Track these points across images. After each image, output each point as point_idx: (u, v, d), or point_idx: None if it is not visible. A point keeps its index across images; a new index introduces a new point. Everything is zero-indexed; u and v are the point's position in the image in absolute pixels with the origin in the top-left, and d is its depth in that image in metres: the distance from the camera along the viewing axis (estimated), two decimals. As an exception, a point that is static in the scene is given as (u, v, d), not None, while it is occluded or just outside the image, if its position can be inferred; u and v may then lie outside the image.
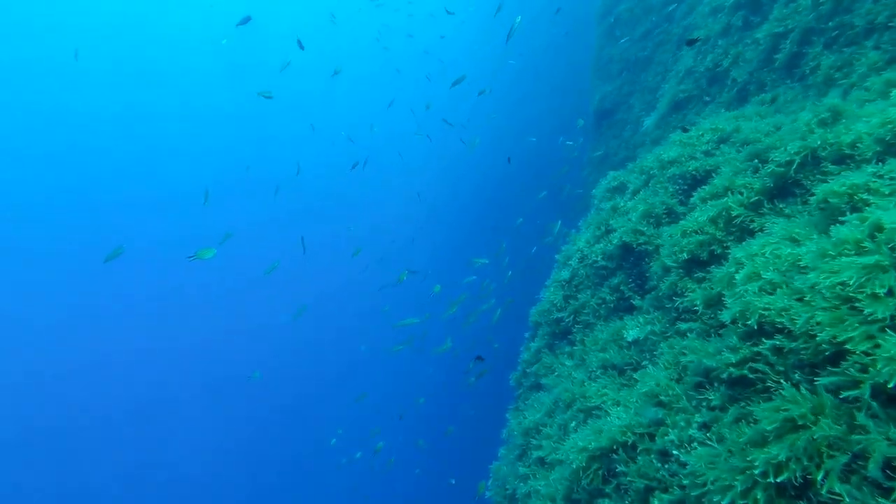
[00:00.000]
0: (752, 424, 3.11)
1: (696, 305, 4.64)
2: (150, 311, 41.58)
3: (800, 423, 2.61)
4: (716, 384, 3.76)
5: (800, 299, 3.28)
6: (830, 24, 6.90)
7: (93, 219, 39.93)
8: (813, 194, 4.57)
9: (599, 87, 16.67)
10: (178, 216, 42.73)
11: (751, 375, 3.44)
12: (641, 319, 5.81)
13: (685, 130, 7.46)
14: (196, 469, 39.19)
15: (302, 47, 13.09)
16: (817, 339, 2.88)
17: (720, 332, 4.33)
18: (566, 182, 20.97)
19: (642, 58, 14.95)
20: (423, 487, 30.06)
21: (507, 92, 34.21)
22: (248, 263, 39.28)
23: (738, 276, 4.03)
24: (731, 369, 3.56)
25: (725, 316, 3.79)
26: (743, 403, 3.37)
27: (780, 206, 4.96)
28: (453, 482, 22.48)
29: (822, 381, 2.74)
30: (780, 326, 3.30)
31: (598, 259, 7.01)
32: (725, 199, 5.21)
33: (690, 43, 10.00)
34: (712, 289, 4.68)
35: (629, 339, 5.63)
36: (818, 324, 2.91)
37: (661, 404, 4.17)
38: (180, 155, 44.60)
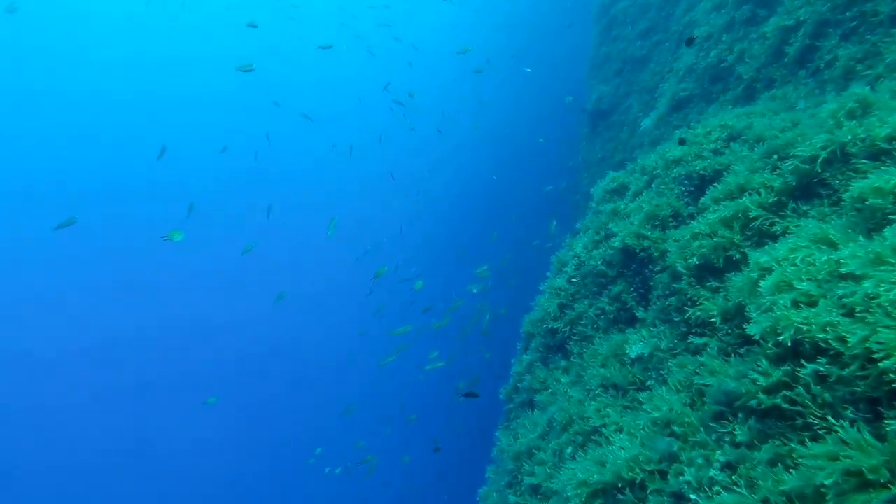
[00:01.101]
0: (792, 470, 2.54)
1: (712, 317, 4.07)
2: (123, 299, 40.30)
3: (870, 477, 2.05)
4: (741, 415, 3.18)
5: (848, 314, 2.72)
6: (848, 13, 6.40)
7: (66, 206, 38.63)
8: (842, 194, 4.04)
9: (596, 87, 16.18)
10: (151, 202, 41.41)
11: (785, 406, 2.87)
12: (645, 333, 5.24)
13: (682, 142, 6.89)
14: (168, 466, 37.97)
15: (255, 26, 12.56)
16: (880, 365, 2.31)
17: (740, 350, 3.77)
18: (562, 180, 20.43)
19: (640, 57, 14.49)
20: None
21: (501, 85, 33.64)
22: (226, 252, 38.61)
23: (763, 285, 3.47)
24: (761, 396, 2.99)
25: (754, 330, 3.23)
26: (779, 442, 2.80)
27: (804, 207, 4.42)
28: None
29: (895, 423, 2.18)
30: (823, 346, 2.73)
31: (598, 265, 6.45)
32: (742, 199, 4.66)
33: (690, 42, 9.51)
34: (728, 299, 4.13)
35: (632, 356, 5.06)
36: (881, 345, 2.34)
37: (673, 435, 3.59)
38: (155, 141, 43.29)
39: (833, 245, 3.35)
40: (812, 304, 3.03)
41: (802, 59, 7.10)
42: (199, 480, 37.58)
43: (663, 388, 4.29)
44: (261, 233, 38.23)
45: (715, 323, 4.05)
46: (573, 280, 6.88)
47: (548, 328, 6.86)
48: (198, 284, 42.55)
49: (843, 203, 3.98)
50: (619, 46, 15.84)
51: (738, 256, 4.35)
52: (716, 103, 9.40)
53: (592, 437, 4.78)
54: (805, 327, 2.86)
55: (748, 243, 4.53)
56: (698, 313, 4.33)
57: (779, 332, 3.03)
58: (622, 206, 7.02)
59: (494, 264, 21.48)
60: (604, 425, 4.80)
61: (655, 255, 5.72)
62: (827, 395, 2.60)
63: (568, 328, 6.60)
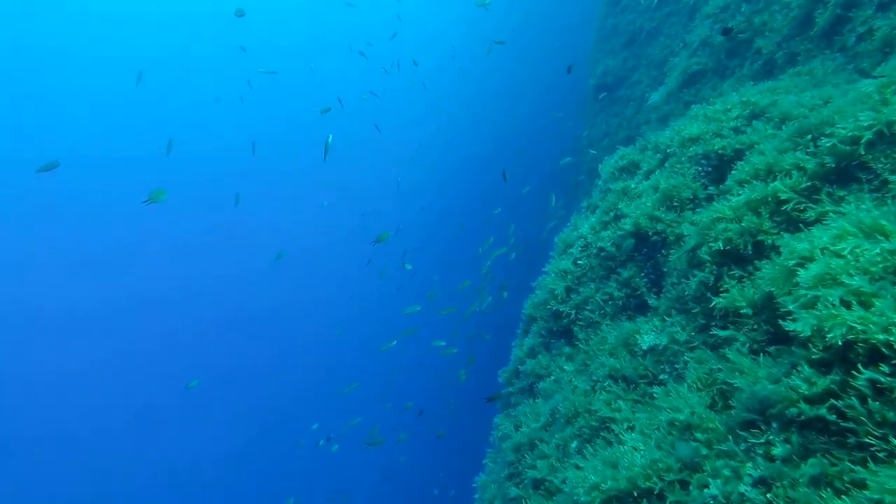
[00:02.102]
0: (845, 496, 2.22)
1: (740, 309, 3.73)
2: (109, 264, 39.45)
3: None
4: (775, 424, 2.86)
5: (913, 320, 2.38)
6: (886, -19, 5.93)
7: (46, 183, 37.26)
8: (890, 178, 3.68)
9: (602, 60, 15.60)
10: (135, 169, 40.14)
11: (832, 418, 2.54)
12: (658, 323, 4.91)
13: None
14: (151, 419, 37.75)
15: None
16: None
17: (768, 349, 3.45)
18: (566, 156, 19.84)
19: (649, 29, 13.89)
20: (411, 488, 29.21)
21: (503, 55, 32.72)
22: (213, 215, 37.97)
23: (803, 276, 3.12)
24: (803, 406, 2.67)
25: (797, 327, 2.88)
26: (826, 460, 2.48)
27: (840, 192, 4.05)
28: (436, 493, 21.72)
29: None
30: (885, 352, 2.39)
31: (607, 247, 6.09)
32: (772, 181, 4.28)
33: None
34: (756, 290, 3.79)
35: (644, 347, 4.74)
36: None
37: (694, 441, 3.28)
38: (137, 106, 41.68)
39: (886, 235, 2.99)
40: (864, 303, 2.69)
41: (831, 31, 6.64)
42: (190, 452, 37.50)
43: (681, 384, 3.98)
44: (250, 195, 37.72)
45: (742, 315, 3.72)
46: (579, 262, 6.53)
47: (551, 312, 6.54)
48: (184, 245, 41.72)
49: (889, 188, 3.62)
50: (627, 18, 15.23)
51: (768, 242, 3.99)
52: (731, 78, 8.95)
53: (600, 433, 4.50)
54: (860, 327, 2.52)
55: (776, 230, 4.17)
56: (722, 303, 3.98)
57: (825, 330, 2.69)
58: (633, 186, 6.64)
59: (498, 241, 20.92)
60: (613, 419, 4.51)
61: (671, 238, 5.36)
62: (890, 414, 2.27)
63: (573, 312, 6.28)
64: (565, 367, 5.82)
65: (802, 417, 2.68)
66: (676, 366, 4.38)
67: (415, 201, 38.71)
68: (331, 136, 8.32)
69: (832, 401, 2.55)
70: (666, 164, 6.43)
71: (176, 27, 43.12)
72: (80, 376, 37.56)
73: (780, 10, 7.93)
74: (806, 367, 2.78)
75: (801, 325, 2.83)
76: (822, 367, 2.75)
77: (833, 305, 2.77)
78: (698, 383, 3.76)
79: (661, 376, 4.50)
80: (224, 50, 40.90)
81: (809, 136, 4.44)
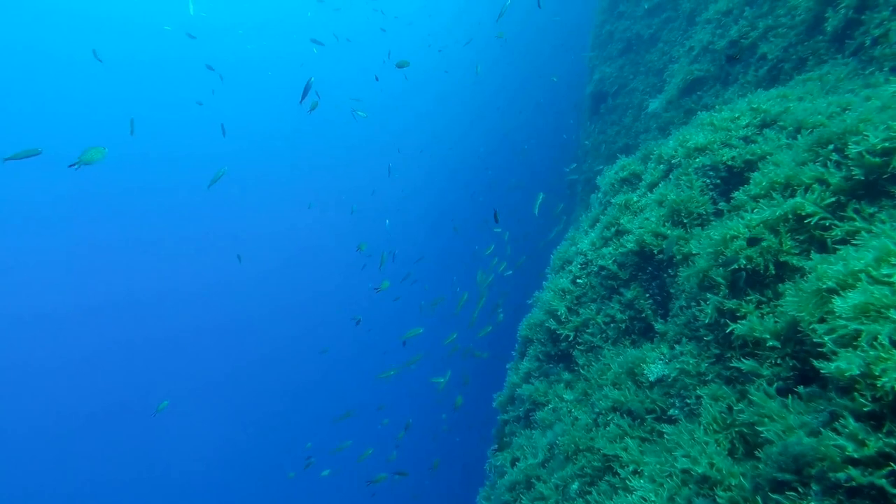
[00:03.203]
0: None
1: (766, 341, 3.29)
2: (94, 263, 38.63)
3: None
4: (815, 487, 2.42)
5: None
6: (903, -19, 5.57)
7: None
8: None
9: (598, 67, 15.27)
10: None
11: (893, 491, 2.10)
12: (666, 350, 4.47)
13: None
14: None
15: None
16: None
17: (797, 390, 3.01)
18: (565, 165, 19.40)
19: (647, 36, 13.58)
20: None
21: (498, 61, 32.38)
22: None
23: (840, 305, 2.70)
24: (852, 472, 2.23)
25: (843, 366, 2.44)
26: (887, 543, 2.03)
27: (870, 209, 3.63)
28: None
29: None
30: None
31: (608, 265, 5.66)
32: (791, 196, 3.87)
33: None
34: (777, 320, 3.36)
35: (652, 378, 4.30)
36: None
37: (713, 498, 2.83)
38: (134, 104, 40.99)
39: (938, 263, 2.57)
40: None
41: (843, 35, 6.28)
42: (190, 452, 36.70)
43: (694, 423, 3.53)
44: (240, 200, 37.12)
45: (763, 347, 3.28)
46: (578, 281, 6.09)
47: (548, 335, 6.09)
48: (180, 250, 41.11)
49: (929, 206, 3.20)
50: (623, 24, 14.92)
51: (793, 263, 3.56)
52: (735, 85, 8.59)
53: (604, 476, 4.04)
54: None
55: (797, 250, 3.75)
56: (741, 330, 3.54)
57: (877, 375, 2.26)
58: (635, 199, 6.22)
59: (498, 249, 20.37)
60: (618, 457, 4.06)
61: (678, 257, 4.93)
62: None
63: (572, 334, 5.84)
64: (564, 396, 5.37)
65: (853, 483, 2.24)
66: (688, 401, 3.94)
67: (409, 203, 38.44)
68: (312, 77, 7.48)
69: (892, 465, 2.11)
70: (671, 176, 6.02)
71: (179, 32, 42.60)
72: (79, 378, 36.85)
73: (787, 14, 7.58)
74: (851, 419, 2.34)
75: (844, 364, 2.40)
76: (871, 419, 2.31)
77: (882, 346, 2.34)
78: (714, 425, 3.32)
79: (672, 412, 4.05)
80: (222, 54, 40.64)
81: (832, 147, 4.03)
